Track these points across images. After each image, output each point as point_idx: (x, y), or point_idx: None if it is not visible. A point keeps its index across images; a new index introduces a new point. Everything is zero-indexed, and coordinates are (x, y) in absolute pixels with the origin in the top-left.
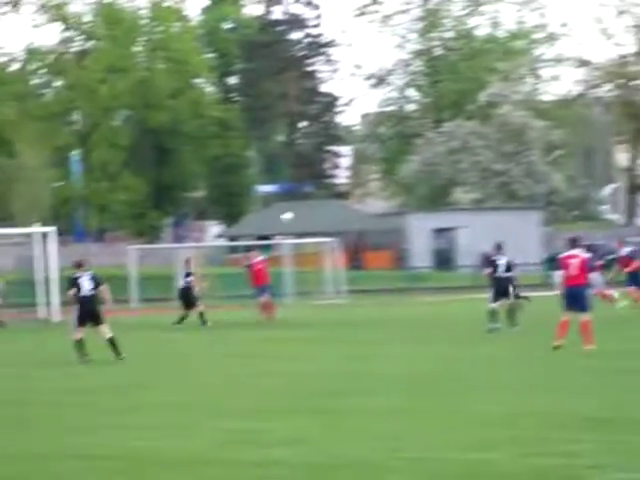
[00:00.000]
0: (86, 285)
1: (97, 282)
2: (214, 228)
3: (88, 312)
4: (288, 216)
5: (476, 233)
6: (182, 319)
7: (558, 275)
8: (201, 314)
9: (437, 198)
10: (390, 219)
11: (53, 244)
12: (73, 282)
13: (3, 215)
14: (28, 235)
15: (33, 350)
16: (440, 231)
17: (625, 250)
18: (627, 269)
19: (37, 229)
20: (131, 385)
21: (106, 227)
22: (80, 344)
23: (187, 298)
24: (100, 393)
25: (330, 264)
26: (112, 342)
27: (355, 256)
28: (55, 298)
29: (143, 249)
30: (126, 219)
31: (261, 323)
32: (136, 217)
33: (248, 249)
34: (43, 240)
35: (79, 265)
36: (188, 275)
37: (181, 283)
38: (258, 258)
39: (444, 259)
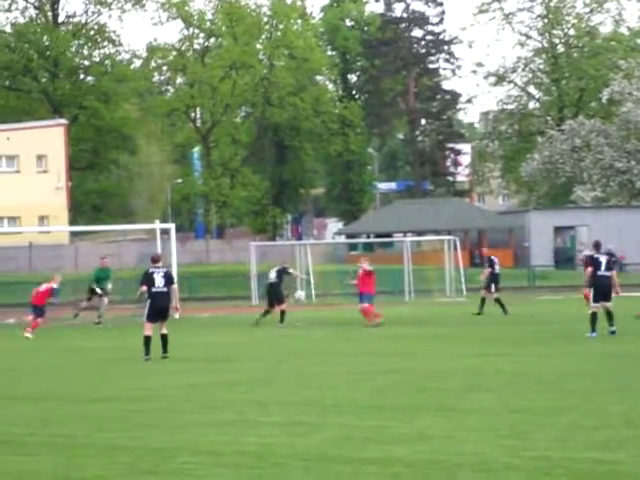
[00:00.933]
0: (159, 281)
1: (170, 280)
2: (333, 225)
3: (159, 308)
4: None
5: (597, 231)
6: (266, 314)
7: None
8: (282, 312)
9: (558, 196)
10: (511, 217)
11: (173, 240)
12: (147, 276)
13: (124, 212)
14: (150, 232)
15: (152, 347)
16: (561, 229)
17: None
18: None
19: (157, 225)
20: (252, 381)
21: (226, 224)
22: (148, 340)
23: (274, 294)
24: (220, 389)
25: (450, 262)
26: (164, 339)
27: (475, 254)
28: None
29: (263, 246)
30: (246, 216)
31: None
32: (256, 214)
33: (368, 247)
34: (163, 236)
35: (155, 260)
36: (280, 271)
37: (272, 277)
38: (364, 266)
39: (565, 257)
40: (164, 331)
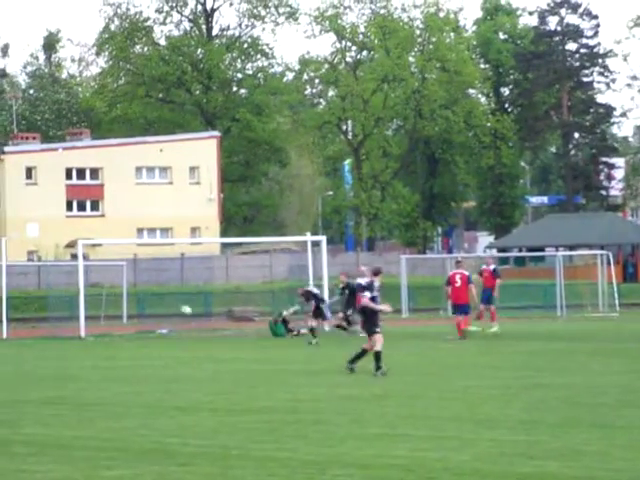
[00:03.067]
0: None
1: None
2: (484, 239)
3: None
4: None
5: None
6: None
7: None
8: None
9: None
10: None
11: (324, 253)
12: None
13: (275, 223)
14: (300, 243)
15: (305, 358)
16: None
17: None
18: None
19: (308, 238)
20: (402, 395)
21: (376, 236)
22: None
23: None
24: (370, 402)
25: (603, 277)
26: (377, 356)
27: (628, 269)
28: (326, 308)
29: (414, 259)
30: (396, 228)
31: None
32: (406, 227)
33: (519, 261)
34: (314, 249)
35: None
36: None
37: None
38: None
39: None
40: (377, 348)
